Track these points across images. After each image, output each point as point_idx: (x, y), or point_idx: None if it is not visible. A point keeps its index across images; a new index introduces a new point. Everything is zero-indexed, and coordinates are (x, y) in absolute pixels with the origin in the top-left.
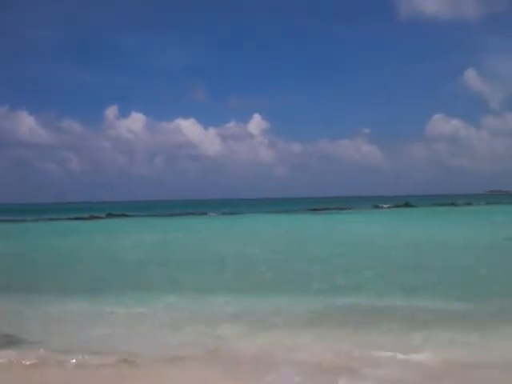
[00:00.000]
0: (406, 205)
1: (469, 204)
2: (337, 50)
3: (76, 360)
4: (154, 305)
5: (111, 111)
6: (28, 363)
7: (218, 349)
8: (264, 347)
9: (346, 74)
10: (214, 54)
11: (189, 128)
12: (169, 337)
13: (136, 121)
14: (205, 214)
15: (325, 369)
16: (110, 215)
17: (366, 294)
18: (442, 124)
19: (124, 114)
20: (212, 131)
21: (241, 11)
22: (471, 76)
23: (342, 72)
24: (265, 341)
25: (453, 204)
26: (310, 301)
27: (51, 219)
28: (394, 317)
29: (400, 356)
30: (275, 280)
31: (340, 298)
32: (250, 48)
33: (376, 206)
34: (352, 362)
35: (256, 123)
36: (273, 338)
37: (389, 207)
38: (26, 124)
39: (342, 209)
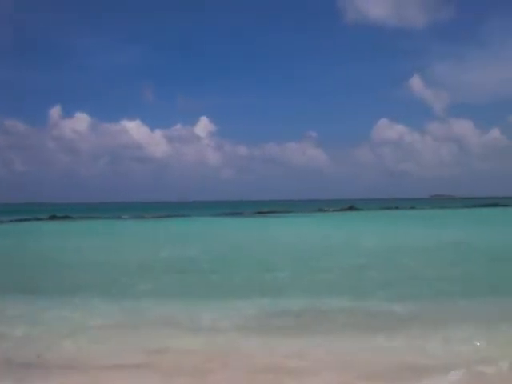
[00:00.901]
0: (351, 208)
1: (413, 208)
2: (284, 54)
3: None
4: (85, 310)
5: (55, 111)
6: None
7: (157, 355)
8: (203, 353)
9: (293, 77)
10: (161, 54)
11: (135, 129)
12: (106, 343)
13: (81, 121)
14: (143, 217)
15: (265, 373)
16: (53, 217)
17: (304, 297)
18: (388, 129)
19: (68, 114)
20: (158, 133)
21: (188, 11)
22: (416, 82)
23: (290, 75)
24: (204, 346)
25: (397, 208)
26: (249, 305)
27: None
28: (332, 319)
29: (341, 359)
30: (212, 284)
31: (279, 301)
32: (197, 49)
33: (321, 210)
34: (292, 366)
35: (203, 126)
36: (213, 343)
37: (334, 210)
38: None
39: (287, 212)
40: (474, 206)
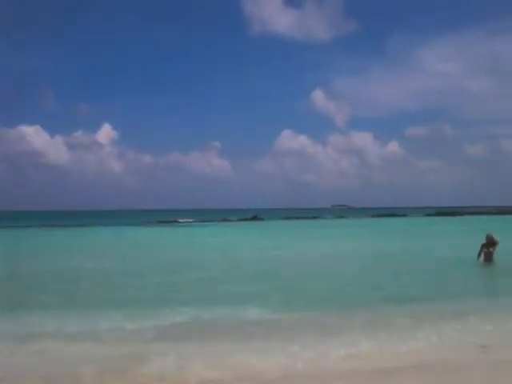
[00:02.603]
0: (255, 218)
1: (315, 218)
2: (189, 62)
3: None
4: None
5: None
6: None
7: (56, 369)
8: (98, 364)
9: (197, 85)
10: (63, 58)
11: (34, 135)
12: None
13: None
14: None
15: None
16: None
17: (194, 306)
18: (291, 140)
19: None
20: (59, 139)
21: (91, 15)
22: (319, 95)
23: (195, 84)
24: (100, 357)
25: (298, 218)
26: (140, 315)
27: None
28: (213, 326)
29: (249, 367)
30: (103, 295)
31: (175, 310)
32: (100, 54)
33: (225, 219)
34: (183, 374)
35: (105, 133)
36: (108, 354)
37: (238, 220)
38: None
39: (191, 221)
40: (373, 216)
